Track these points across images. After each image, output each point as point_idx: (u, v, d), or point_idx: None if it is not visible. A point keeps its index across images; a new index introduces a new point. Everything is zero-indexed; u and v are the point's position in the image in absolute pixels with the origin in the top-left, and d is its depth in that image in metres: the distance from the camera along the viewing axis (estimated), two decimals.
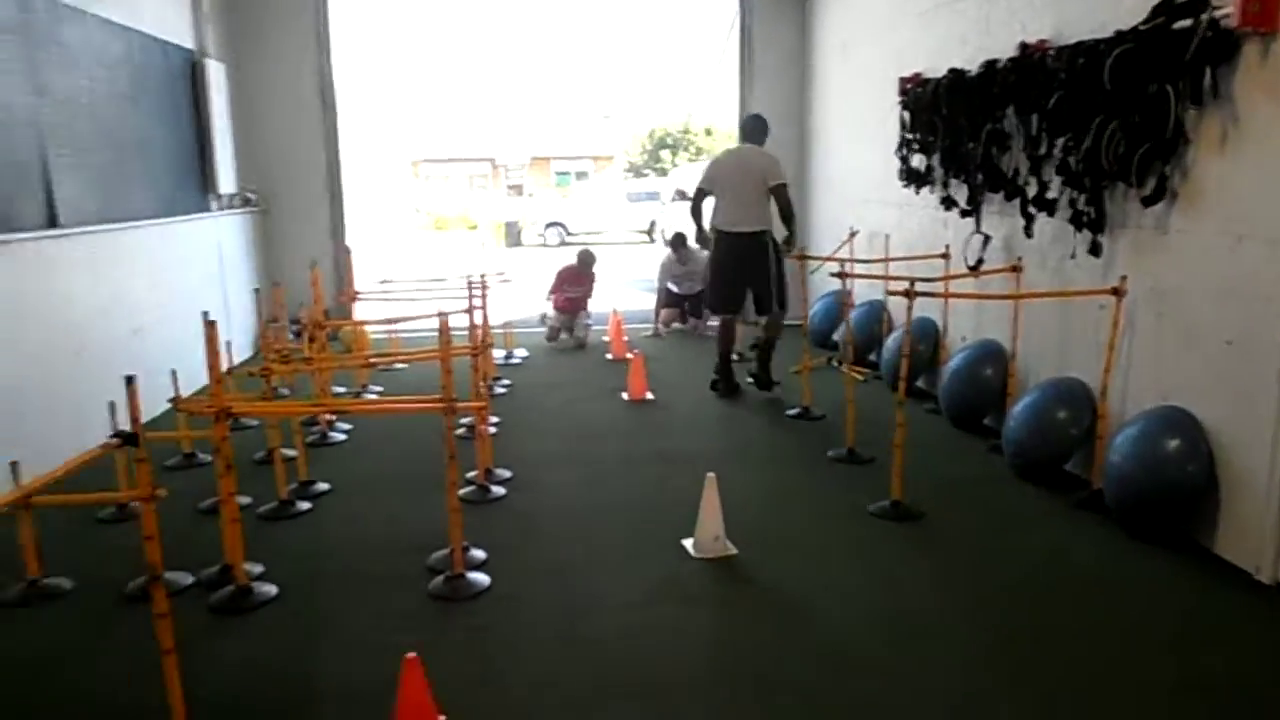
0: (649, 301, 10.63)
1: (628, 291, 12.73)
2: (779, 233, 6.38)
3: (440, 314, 3.70)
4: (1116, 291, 4.16)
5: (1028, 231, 4.87)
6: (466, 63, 49.95)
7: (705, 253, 9.38)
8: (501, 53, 53.65)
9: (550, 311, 8.99)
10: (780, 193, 6.14)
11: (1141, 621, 3.27)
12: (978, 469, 4.89)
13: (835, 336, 7.71)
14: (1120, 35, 4.00)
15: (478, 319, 5.01)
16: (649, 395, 6.56)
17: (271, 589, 3.59)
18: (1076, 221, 4.45)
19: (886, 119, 6.89)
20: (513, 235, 27.58)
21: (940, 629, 3.24)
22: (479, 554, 3.86)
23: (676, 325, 9.62)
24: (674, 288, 9.48)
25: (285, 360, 4.52)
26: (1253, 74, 3.47)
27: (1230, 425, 3.62)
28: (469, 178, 39.89)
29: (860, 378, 6.71)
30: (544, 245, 26.73)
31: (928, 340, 6.27)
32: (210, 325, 3.43)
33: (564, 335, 8.84)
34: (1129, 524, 3.96)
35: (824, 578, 3.67)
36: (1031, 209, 4.80)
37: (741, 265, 6.24)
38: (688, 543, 3.95)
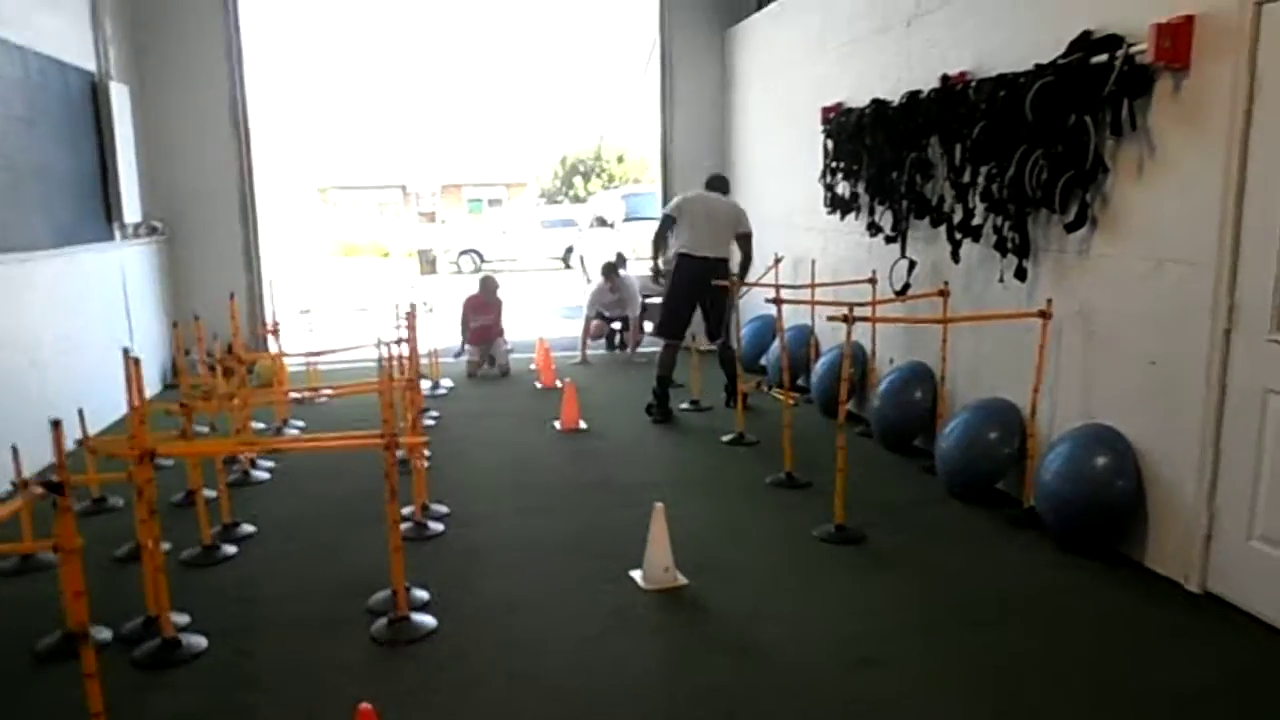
0: (572, 329, 10.60)
1: (551, 319, 12.65)
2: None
3: (380, 343, 3.57)
4: (1043, 314, 4.30)
5: (955, 257, 5.01)
6: (377, 88, 49.23)
7: (635, 281, 9.54)
8: (413, 79, 53.05)
9: (467, 347, 8.69)
10: (747, 242, 6.62)
11: (1085, 635, 3.34)
12: (913, 490, 4.97)
13: (763, 360, 7.79)
14: (1039, 69, 4.17)
15: (409, 348, 4.87)
16: (582, 424, 6.49)
17: (201, 640, 3.37)
18: (1001, 247, 4.60)
19: (809, 147, 7.03)
20: (426, 263, 27.19)
21: (895, 652, 3.25)
22: (421, 594, 3.72)
23: (601, 350, 9.65)
24: (604, 313, 9.55)
25: (207, 396, 4.29)
26: (1166, 106, 3.66)
27: (1157, 442, 3.77)
28: (378, 204, 39.18)
29: (791, 402, 6.78)
30: (458, 273, 26.43)
31: (857, 364, 6.37)
32: (135, 363, 3.22)
33: (485, 366, 8.64)
34: (1063, 539, 4.08)
35: (776, 606, 3.65)
36: (958, 235, 4.94)
37: (700, 288, 6.45)
38: (636, 574, 3.89)
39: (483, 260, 27.37)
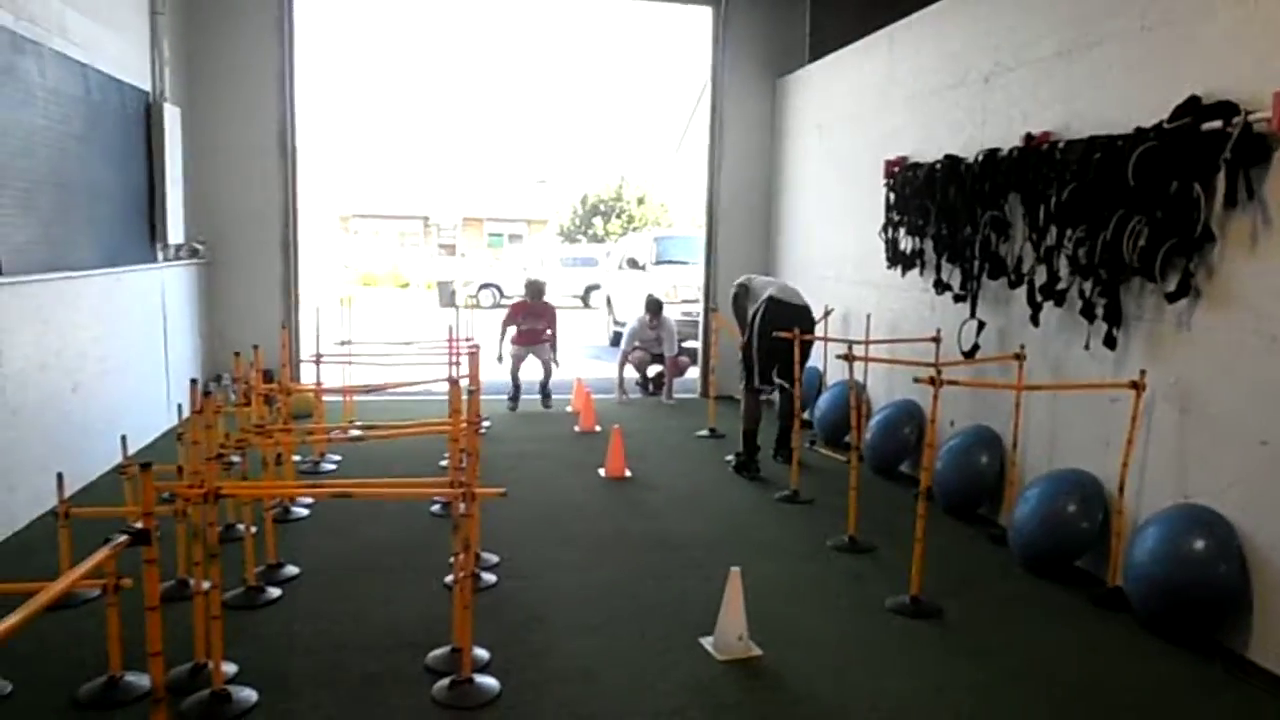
0: (606, 370, 10.49)
1: (580, 360, 12.48)
2: None
3: (451, 380, 3.40)
4: (1135, 385, 4.12)
5: (1034, 320, 4.84)
6: (402, 118, 49.72)
7: (674, 323, 9.56)
8: (438, 111, 53.63)
9: (508, 349, 8.77)
10: None
11: None
12: (984, 561, 4.75)
13: (806, 415, 7.60)
14: (1141, 133, 4.03)
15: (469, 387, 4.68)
16: (628, 473, 6.29)
17: (251, 694, 3.16)
18: (1088, 313, 4.43)
19: (865, 200, 6.92)
20: (445, 295, 27.13)
21: None
22: (482, 653, 3.50)
23: (638, 394, 9.57)
24: (641, 348, 9.58)
25: (262, 430, 4.12)
26: None
27: (1267, 527, 3.56)
28: (399, 234, 39.33)
29: (841, 459, 6.58)
30: (477, 307, 26.40)
31: (912, 423, 6.20)
32: (205, 395, 3.06)
33: (526, 362, 8.71)
34: (1155, 624, 3.85)
35: (859, 684, 3.43)
36: (1039, 298, 4.78)
37: (793, 330, 6.02)
38: (707, 642, 3.67)
39: (502, 295, 27.35)
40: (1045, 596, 4.30)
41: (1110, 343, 4.33)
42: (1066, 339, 4.73)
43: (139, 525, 2.10)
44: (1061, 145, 4.63)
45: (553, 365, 8.81)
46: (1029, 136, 4.90)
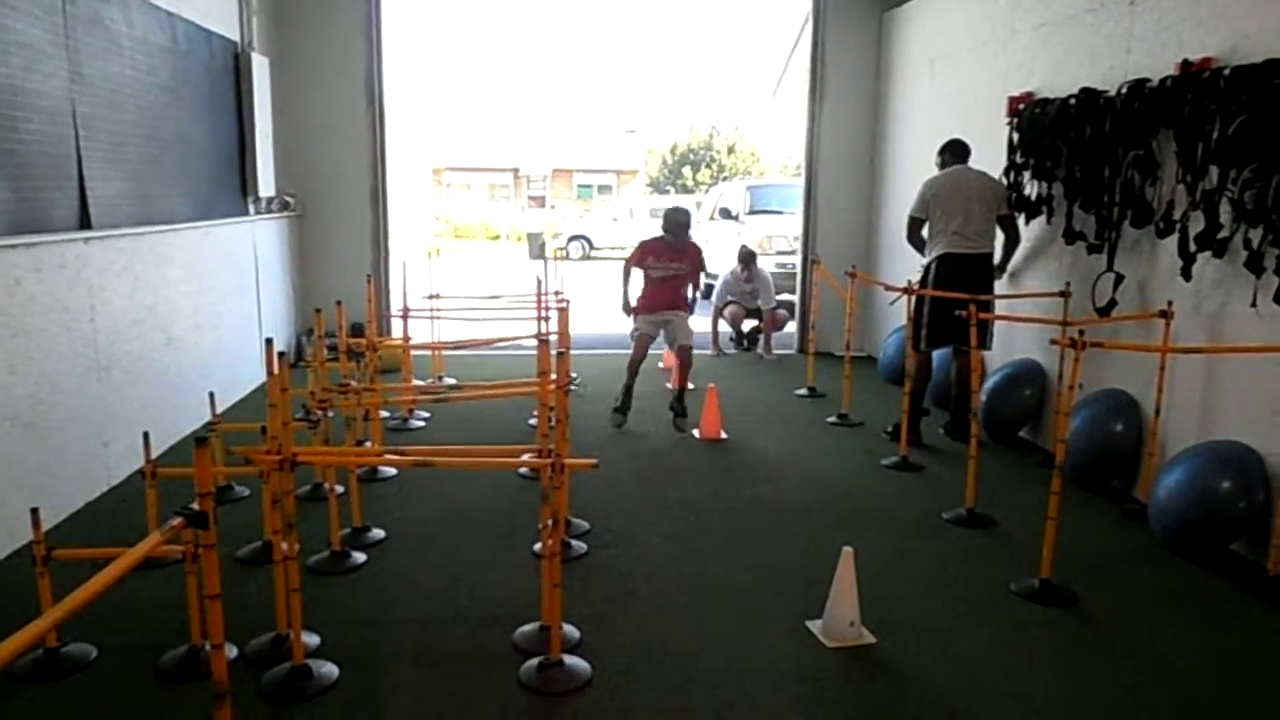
0: (695, 324, 10.13)
1: None
2: None
3: (541, 336, 3.15)
4: None
5: (1185, 273, 4.31)
6: (492, 72, 49.70)
7: (769, 274, 9.15)
8: (527, 63, 53.42)
9: (635, 318, 6.28)
10: (1012, 223, 5.69)
11: None
12: (1121, 540, 4.31)
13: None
14: None
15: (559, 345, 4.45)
16: (723, 434, 5.98)
17: (333, 670, 3.02)
18: (1255, 265, 3.88)
19: (985, 143, 6.34)
20: (535, 247, 27.08)
21: None
22: (572, 631, 3.29)
23: (733, 350, 9.23)
24: (734, 302, 9.21)
25: (344, 389, 3.96)
26: None
27: None
28: (490, 187, 39.48)
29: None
30: (566, 259, 26.25)
31: (1034, 385, 5.71)
32: (280, 356, 2.87)
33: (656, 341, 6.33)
34: None
35: (989, 683, 3.07)
36: (1193, 248, 4.23)
37: (971, 291, 5.21)
38: (814, 626, 3.38)
39: (592, 247, 27.15)
40: (1194, 584, 3.85)
41: None
42: (1224, 294, 4.19)
43: (195, 507, 1.90)
44: (1227, 72, 4.04)
45: (690, 354, 6.16)
46: (1186, 63, 4.30)
